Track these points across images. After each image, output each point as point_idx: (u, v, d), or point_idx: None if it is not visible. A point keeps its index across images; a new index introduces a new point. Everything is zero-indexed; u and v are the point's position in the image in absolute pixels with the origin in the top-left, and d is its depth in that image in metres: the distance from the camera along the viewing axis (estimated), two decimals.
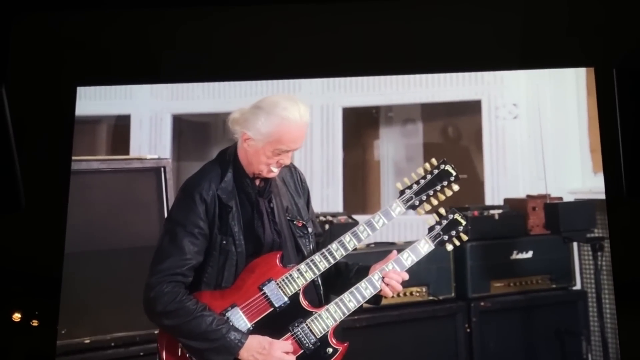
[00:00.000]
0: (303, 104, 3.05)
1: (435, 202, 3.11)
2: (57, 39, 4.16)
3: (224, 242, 3.00)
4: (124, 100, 4.74)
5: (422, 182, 3.11)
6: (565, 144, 4.62)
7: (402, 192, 3.11)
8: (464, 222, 3.11)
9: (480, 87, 4.78)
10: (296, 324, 2.99)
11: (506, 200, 4.55)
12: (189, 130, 5.01)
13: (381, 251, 4.07)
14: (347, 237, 3.05)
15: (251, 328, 2.97)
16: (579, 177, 4.67)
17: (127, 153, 4.67)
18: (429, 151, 4.92)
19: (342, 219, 4.34)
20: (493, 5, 4.13)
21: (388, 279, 3.04)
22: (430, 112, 4.92)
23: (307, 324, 2.99)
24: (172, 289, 2.93)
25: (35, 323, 3.84)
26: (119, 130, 4.77)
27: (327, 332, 3.00)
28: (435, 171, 3.11)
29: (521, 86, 4.71)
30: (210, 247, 3.00)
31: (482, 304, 4.22)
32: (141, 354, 3.87)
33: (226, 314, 2.96)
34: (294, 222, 3.13)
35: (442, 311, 4.21)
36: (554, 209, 4.34)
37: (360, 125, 5.04)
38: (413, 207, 3.11)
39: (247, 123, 3.04)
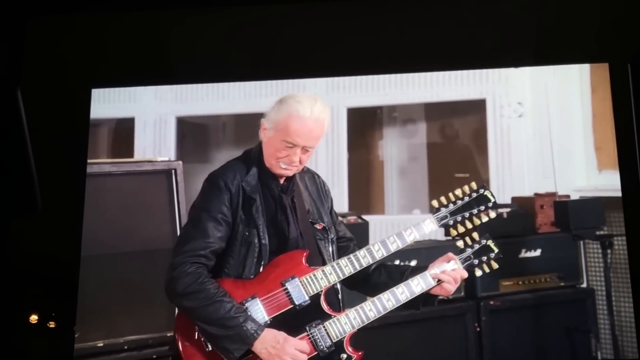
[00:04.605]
0: (322, 103, 3.07)
1: (469, 225, 3.12)
2: (71, 42, 4.15)
3: (247, 233, 3.02)
4: (128, 103, 4.72)
5: (459, 203, 3.12)
6: (570, 142, 4.62)
7: (437, 210, 3.12)
8: (496, 250, 3.12)
9: (485, 86, 4.78)
10: (313, 325, 2.99)
11: (514, 199, 4.55)
12: (191, 133, 4.99)
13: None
14: (375, 246, 3.06)
15: (268, 322, 2.97)
16: (583, 175, 4.67)
17: (131, 156, 4.65)
18: (433, 151, 4.92)
19: (352, 219, 4.35)
20: (507, 2, 4.12)
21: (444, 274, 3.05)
22: (435, 112, 4.91)
23: (324, 326, 2.99)
24: (195, 270, 2.94)
25: (52, 325, 3.83)
26: (121, 133, 4.75)
27: (344, 337, 3.00)
28: (474, 194, 3.13)
29: (526, 85, 4.71)
30: (233, 238, 3.02)
31: (491, 302, 4.22)
32: (154, 357, 3.87)
33: (245, 304, 2.96)
34: (315, 225, 3.15)
35: (452, 310, 4.20)
36: (564, 207, 4.34)
37: (365, 125, 5.03)
38: (446, 227, 3.12)
39: (266, 114, 3.11)
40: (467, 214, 3.11)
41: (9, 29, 3.84)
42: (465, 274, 3.09)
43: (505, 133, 4.77)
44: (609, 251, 4.21)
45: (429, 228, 3.10)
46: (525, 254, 4.32)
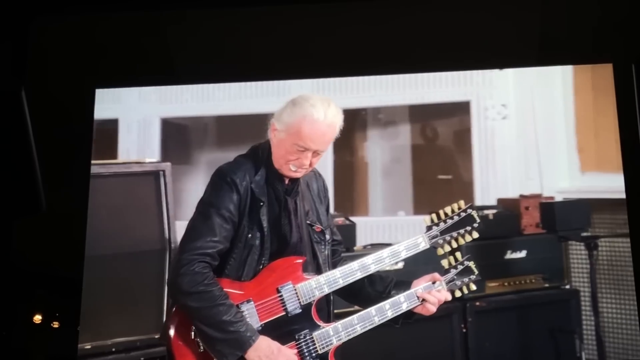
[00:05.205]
0: (336, 107, 3.04)
1: (455, 245, 3.17)
2: (75, 42, 4.14)
3: (250, 235, 3.00)
4: (112, 104, 4.68)
5: (449, 222, 3.16)
6: (552, 143, 4.65)
7: (429, 228, 3.16)
8: (476, 272, 3.17)
9: (470, 88, 4.79)
10: (302, 335, 3.00)
11: (499, 200, 4.57)
12: (173, 134, 4.97)
13: None
14: (369, 260, 3.09)
15: (260, 327, 2.97)
16: (566, 177, 4.70)
17: (115, 157, 4.62)
18: (417, 153, 4.93)
19: (340, 220, 4.35)
20: (511, 2, 4.13)
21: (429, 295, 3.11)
22: (419, 114, 4.92)
23: (312, 337, 3.01)
24: (201, 270, 2.92)
25: (56, 325, 3.80)
26: (105, 134, 4.72)
27: (329, 350, 3.03)
28: (463, 214, 3.17)
29: (510, 87, 4.73)
30: (236, 239, 3.00)
31: (477, 304, 4.23)
32: (142, 359, 3.85)
33: (241, 307, 2.96)
34: (313, 227, 3.14)
35: (438, 312, 4.07)
36: (550, 208, 4.37)
37: (350, 127, 5.02)
38: (435, 246, 3.16)
39: (276, 114, 3.07)
40: (454, 234, 3.16)
41: (14, 29, 3.82)
42: (449, 297, 3.15)
43: (490, 135, 4.79)
44: (594, 252, 4.23)
45: (420, 246, 3.15)
46: (510, 255, 4.34)
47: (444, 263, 3.17)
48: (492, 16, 4.12)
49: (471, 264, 3.16)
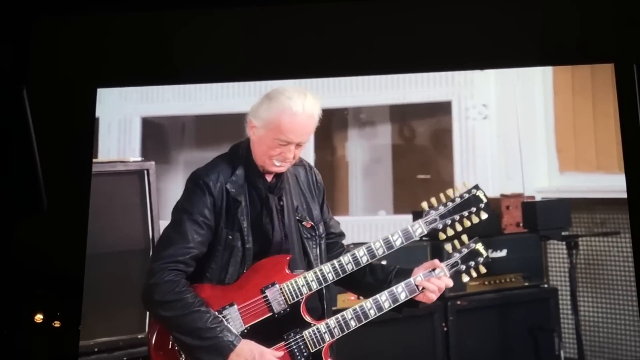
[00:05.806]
0: (312, 97, 2.97)
1: (459, 228, 2.99)
2: (76, 42, 4.12)
3: (230, 237, 2.94)
4: None
5: (450, 205, 3.00)
6: (532, 143, 4.68)
7: (427, 213, 3.01)
8: (485, 254, 2.99)
9: (451, 88, 4.81)
10: (292, 334, 2.93)
11: None
12: (152, 133, 4.95)
13: None
14: (360, 252, 2.98)
15: (245, 331, 2.91)
16: (545, 177, 4.74)
17: (95, 157, 4.59)
18: (398, 152, 4.94)
19: None
20: (513, 3, 4.14)
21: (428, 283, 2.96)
22: (401, 114, 4.94)
23: (302, 336, 2.93)
24: (172, 278, 2.86)
25: (57, 324, 3.78)
26: None
27: (322, 348, 2.94)
28: (466, 195, 3.02)
29: (491, 87, 4.76)
30: (215, 242, 2.94)
31: (458, 302, 4.23)
32: (124, 359, 3.82)
33: (223, 312, 2.90)
34: (303, 223, 3.06)
35: (420, 311, 4.17)
36: (532, 208, 4.39)
37: (331, 126, 5.03)
38: (435, 231, 2.99)
39: (253, 110, 3.02)
40: (457, 217, 3.00)
41: (16, 28, 3.80)
42: (451, 283, 2.99)
43: (470, 135, 4.81)
44: (574, 251, 4.26)
45: (417, 233, 3.00)
46: (491, 254, 4.34)
47: (448, 247, 3.01)
48: (491, 17, 4.12)
49: (479, 245, 2.98)
